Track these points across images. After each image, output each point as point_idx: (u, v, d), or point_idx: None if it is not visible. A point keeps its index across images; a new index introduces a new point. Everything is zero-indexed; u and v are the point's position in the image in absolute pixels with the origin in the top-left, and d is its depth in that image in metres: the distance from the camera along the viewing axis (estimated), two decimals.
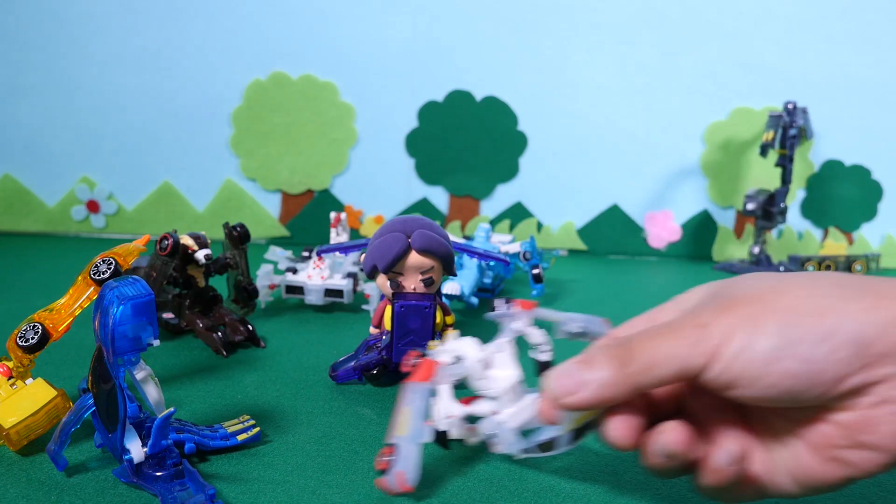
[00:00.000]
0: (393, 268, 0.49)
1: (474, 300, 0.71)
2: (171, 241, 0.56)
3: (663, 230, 1.11)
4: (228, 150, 1.04)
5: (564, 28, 1.03)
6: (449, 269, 0.51)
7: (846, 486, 0.31)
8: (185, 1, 1.00)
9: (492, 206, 1.09)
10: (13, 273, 0.83)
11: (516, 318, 0.43)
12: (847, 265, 1.05)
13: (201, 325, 0.58)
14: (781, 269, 0.96)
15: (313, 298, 0.69)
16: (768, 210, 1.01)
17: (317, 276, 0.70)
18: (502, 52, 1.04)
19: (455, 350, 0.40)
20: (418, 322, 0.49)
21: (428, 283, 0.50)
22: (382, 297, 0.52)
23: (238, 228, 0.62)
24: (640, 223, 1.10)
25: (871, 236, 1.12)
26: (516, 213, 1.09)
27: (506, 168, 1.08)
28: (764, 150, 0.98)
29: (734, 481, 0.32)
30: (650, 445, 0.32)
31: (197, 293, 0.60)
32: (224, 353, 0.57)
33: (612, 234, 1.11)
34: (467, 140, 1.06)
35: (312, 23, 1.02)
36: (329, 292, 0.69)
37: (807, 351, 0.29)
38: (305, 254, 0.76)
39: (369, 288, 0.71)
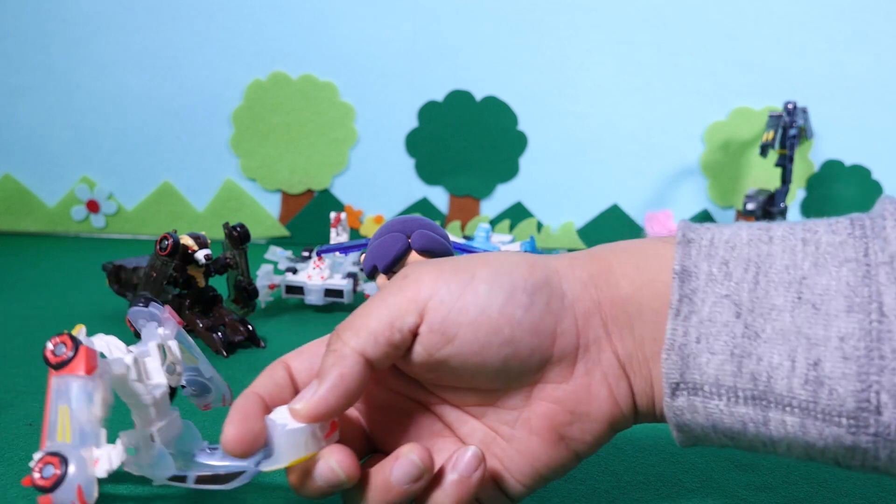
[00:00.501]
0: (393, 268, 0.49)
1: None
2: (171, 241, 0.56)
3: (663, 230, 1.11)
4: (228, 150, 1.04)
5: (564, 28, 1.03)
6: None
7: (576, 466, 0.32)
8: (185, 1, 1.00)
9: (492, 206, 1.09)
10: (13, 273, 0.83)
11: (165, 324, 0.38)
12: None
13: (201, 325, 0.58)
14: None
15: (313, 299, 0.69)
16: (768, 210, 1.01)
17: (317, 276, 0.70)
18: (502, 52, 1.04)
19: (106, 344, 0.35)
20: None
21: None
22: None
23: (238, 228, 0.62)
24: (640, 223, 1.10)
25: None
26: (516, 213, 1.09)
27: (506, 168, 1.08)
28: (764, 150, 0.98)
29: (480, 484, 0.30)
30: (387, 471, 0.30)
31: (197, 293, 0.60)
32: (224, 353, 0.57)
33: (612, 234, 1.11)
34: (467, 140, 1.06)
35: (312, 23, 1.02)
36: (329, 292, 0.69)
37: (524, 298, 0.30)
38: (305, 254, 0.76)
39: (369, 288, 0.71)
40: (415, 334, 0.30)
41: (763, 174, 1.07)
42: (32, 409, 0.45)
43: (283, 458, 0.30)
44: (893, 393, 0.26)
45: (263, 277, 0.70)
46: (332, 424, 0.31)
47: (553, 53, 1.03)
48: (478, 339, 0.30)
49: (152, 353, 0.36)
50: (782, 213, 1.00)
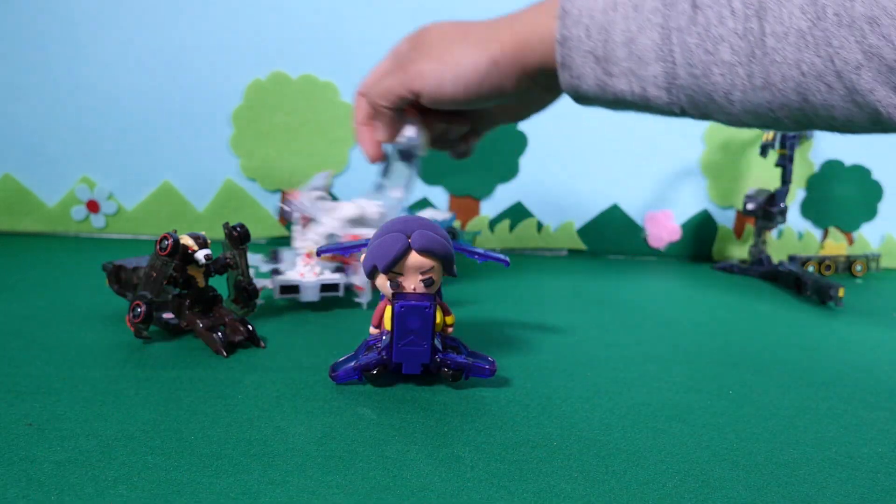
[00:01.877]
0: (393, 268, 0.49)
1: None
2: (171, 241, 0.56)
3: (663, 230, 1.11)
4: (228, 150, 1.04)
5: None
6: (449, 270, 0.51)
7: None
8: (186, 1, 1.00)
9: (492, 206, 1.09)
10: (13, 273, 0.83)
11: (301, 201, 0.72)
12: (847, 265, 1.05)
13: (201, 325, 0.58)
14: (781, 268, 0.96)
15: (310, 296, 0.70)
16: (768, 210, 1.01)
17: (309, 272, 0.70)
18: None
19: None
20: (418, 322, 0.49)
21: (428, 283, 0.50)
22: (383, 297, 0.52)
23: (238, 228, 0.62)
24: (640, 223, 1.10)
25: (870, 236, 1.12)
26: (516, 213, 1.09)
27: (506, 168, 1.08)
28: (764, 150, 0.98)
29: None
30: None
31: (197, 293, 0.60)
32: (224, 353, 0.57)
33: (612, 234, 1.11)
34: None
35: (312, 23, 1.02)
36: (325, 287, 0.70)
37: (475, 88, 0.55)
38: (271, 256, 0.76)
39: (359, 280, 0.71)
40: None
41: (763, 174, 1.07)
42: (32, 408, 0.45)
43: (420, 151, 0.66)
44: (688, 98, 0.49)
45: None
46: (410, 114, 0.62)
47: None
48: (454, 104, 0.57)
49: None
50: (782, 213, 1.01)
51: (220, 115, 1.03)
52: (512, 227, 1.09)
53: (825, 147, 1.08)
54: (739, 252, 1.09)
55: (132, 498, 0.36)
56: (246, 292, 0.63)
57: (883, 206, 1.10)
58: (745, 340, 0.69)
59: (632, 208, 1.09)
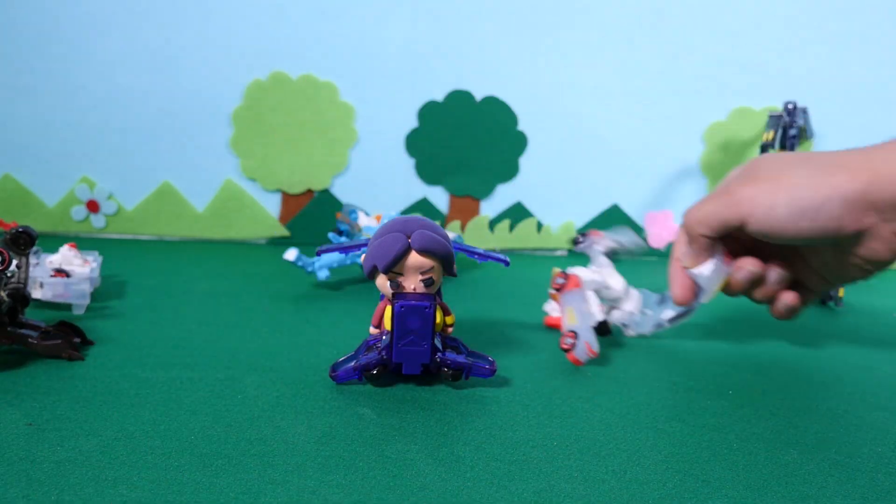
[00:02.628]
0: (393, 268, 0.49)
1: (322, 273, 0.78)
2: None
3: (663, 230, 1.11)
4: (228, 150, 1.04)
5: (564, 28, 1.03)
6: (449, 270, 0.51)
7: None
8: (186, 1, 1.00)
9: (492, 206, 1.09)
10: None
11: (598, 242, 0.68)
12: None
13: (33, 338, 0.53)
14: None
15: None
16: None
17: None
18: (502, 52, 1.04)
19: (581, 272, 0.63)
20: (418, 322, 0.49)
21: (428, 283, 0.50)
22: (382, 296, 0.52)
23: (25, 232, 0.55)
24: (640, 223, 1.10)
25: None
26: (516, 213, 1.09)
27: (506, 168, 1.08)
28: (764, 150, 0.98)
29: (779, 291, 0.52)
30: (738, 271, 0.52)
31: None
32: (81, 356, 0.54)
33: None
34: (467, 140, 1.06)
35: (312, 23, 1.02)
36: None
37: (812, 215, 0.46)
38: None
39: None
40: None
41: None
42: (32, 409, 0.45)
43: (709, 292, 0.52)
44: None
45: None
46: (726, 256, 0.51)
47: (553, 53, 1.03)
48: (790, 239, 0.48)
49: (605, 264, 0.67)
50: None
51: (220, 115, 1.03)
52: (512, 227, 1.09)
53: (825, 147, 1.08)
54: None
55: (132, 498, 0.36)
56: (24, 301, 0.56)
57: None
58: (745, 340, 0.69)
59: (632, 208, 1.09)
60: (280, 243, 1.04)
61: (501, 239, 1.09)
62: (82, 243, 1.01)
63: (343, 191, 1.07)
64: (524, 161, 1.07)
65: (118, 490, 0.37)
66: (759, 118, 1.04)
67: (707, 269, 0.51)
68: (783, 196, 0.47)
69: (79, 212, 1.04)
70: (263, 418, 0.46)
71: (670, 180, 1.09)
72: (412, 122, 1.05)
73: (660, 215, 1.10)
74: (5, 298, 0.53)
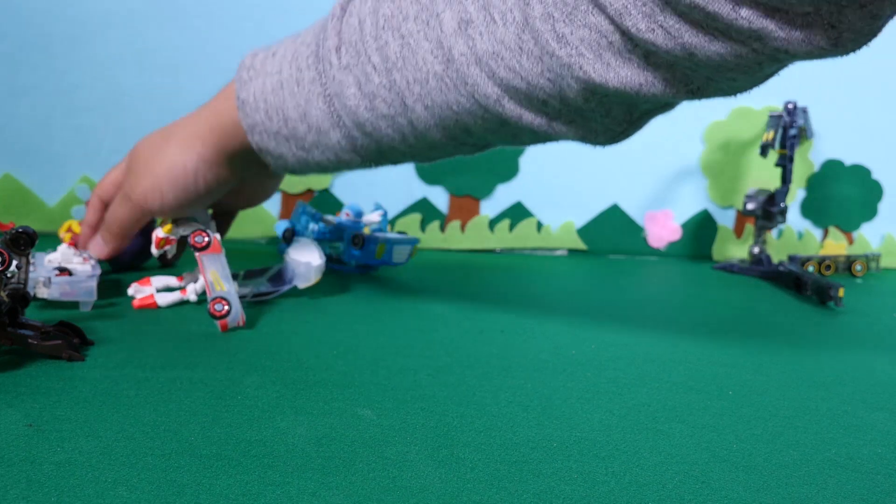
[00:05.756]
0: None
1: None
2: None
3: (663, 230, 1.11)
4: None
5: None
6: None
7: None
8: (186, 1, 1.00)
9: (492, 205, 1.09)
10: None
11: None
12: (847, 265, 1.05)
13: (33, 339, 0.53)
14: (781, 268, 0.96)
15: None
16: (768, 210, 1.01)
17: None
18: None
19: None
20: None
21: None
22: None
23: (26, 232, 0.55)
24: (640, 223, 1.10)
25: (871, 236, 1.12)
26: (516, 213, 1.09)
27: (506, 168, 1.08)
28: (764, 150, 0.98)
29: None
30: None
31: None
32: (82, 357, 0.54)
33: (612, 234, 1.11)
34: None
35: (312, 23, 1.02)
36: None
37: (192, 187, 0.59)
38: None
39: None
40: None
41: (763, 174, 1.07)
42: (32, 409, 0.45)
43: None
44: (375, 153, 0.55)
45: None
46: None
47: None
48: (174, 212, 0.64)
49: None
50: (782, 213, 1.01)
51: None
52: (512, 227, 1.09)
53: (825, 147, 1.08)
54: (739, 252, 1.09)
55: (132, 499, 0.36)
56: (24, 301, 0.56)
57: (883, 206, 1.10)
58: (745, 340, 0.69)
59: (632, 208, 1.09)
60: (280, 243, 1.04)
61: (501, 239, 1.09)
62: None
63: (343, 191, 1.07)
64: (524, 161, 1.07)
65: (118, 491, 0.37)
66: (759, 118, 1.04)
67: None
68: (165, 183, 0.57)
69: (79, 212, 1.04)
70: (263, 419, 0.46)
71: (670, 180, 1.09)
72: None
73: (660, 215, 1.10)
74: (5, 299, 0.53)
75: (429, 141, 0.51)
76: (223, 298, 0.58)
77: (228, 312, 0.58)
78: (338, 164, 0.56)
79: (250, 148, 0.58)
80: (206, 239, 0.58)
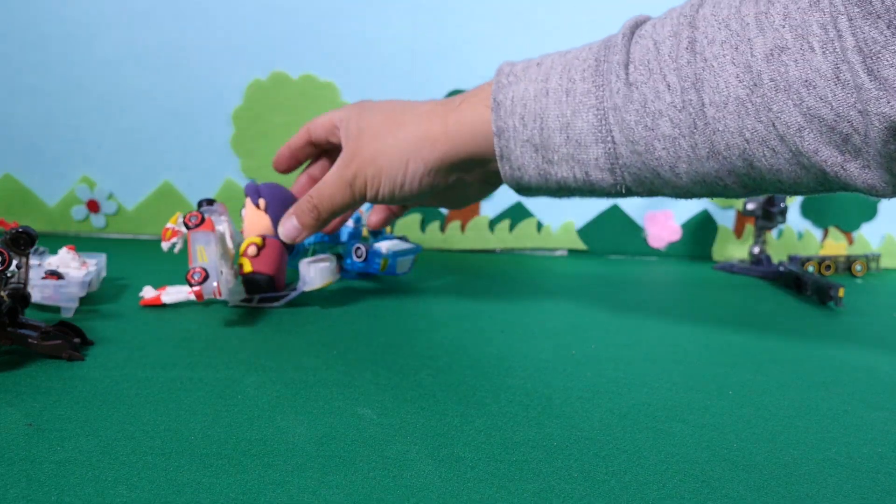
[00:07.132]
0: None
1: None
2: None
3: (663, 230, 1.11)
4: (228, 149, 1.04)
5: (565, 28, 1.03)
6: None
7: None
8: (186, 1, 1.00)
9: (492, 205, 1.09)
10: None
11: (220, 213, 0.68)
12: (847, 265, 1.05)
13: (33, 338, 0.53)
14: (781, 268, 0.96)
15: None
16: (768, 210, 1.01)
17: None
18: (502, 52, 1.03)
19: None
20: None
21: None
22: None
23: (23, 231, 0.55)
24: (640, 223, 1.10)
25: (871, 236, 1.12)
26: (516, 213, 1.09)
27: None
28: None
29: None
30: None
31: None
32: (82, 357, 0.54)
33: (612, 234, 1.11)
34: None
35: (312, 23, 1.02)
36: None
37: (408, 188, 0.59)
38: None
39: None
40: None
41: None
42: (32, 409, 0.45)
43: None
44: (633, 176, 0.52)
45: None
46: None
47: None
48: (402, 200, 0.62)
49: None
50: (782, 213, 1.01)
51: (220, 115, 1.03)
52: (512, 227, 1.09)
53: None
54: (739, 252, 1.09)
55: (132, 498, 0.36)
56: (24, 301, 0.56)
57: (883, 206, 1.10)
58: (745, 340, 0.69)
59: (632, 208, 1.09)
60: None
61: (501, 239, 1.09)
62: (83, 243, 1.01)
63: None
64: None
65: (118, 490, 0.37)
66: None
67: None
68: (385, 177, 0.58)
69: (79, 212, 1.04)
70: (263, 418, 0.46)
71: None
72: None
73: (660, 215, 1.10)
74: (5, 298, 0.53)
75: (700, 173, 0.49)
76: (202, 269, 0.59)
77: (203, 282, 0.59)
78: (582, 185, 0.53)
79: (475, 157, 0.56)
80: (198, 220, 0.62)
